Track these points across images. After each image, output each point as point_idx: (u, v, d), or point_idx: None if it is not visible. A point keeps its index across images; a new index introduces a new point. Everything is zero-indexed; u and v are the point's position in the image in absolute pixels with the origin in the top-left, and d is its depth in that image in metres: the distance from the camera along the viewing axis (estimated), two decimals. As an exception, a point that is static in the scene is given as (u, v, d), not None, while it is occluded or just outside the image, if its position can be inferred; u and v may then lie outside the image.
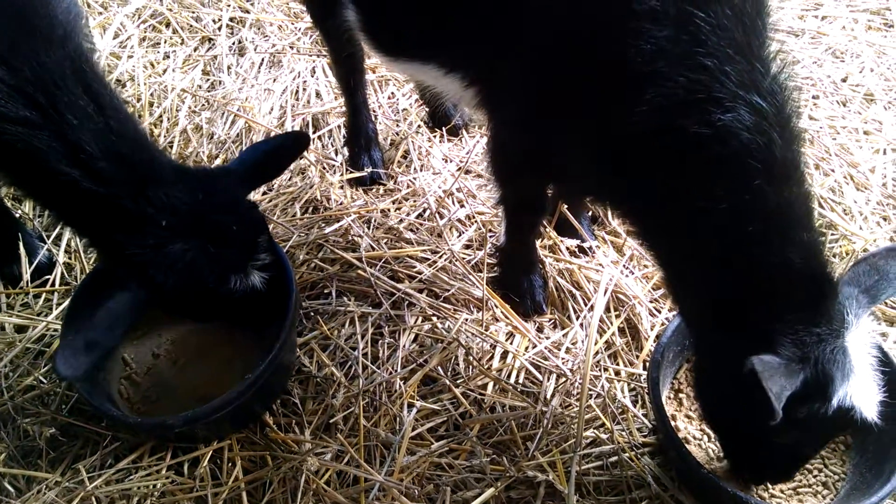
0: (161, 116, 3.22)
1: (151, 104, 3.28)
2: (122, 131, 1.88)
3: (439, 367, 2.37)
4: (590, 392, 2.30)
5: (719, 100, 1.56)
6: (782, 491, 2.10)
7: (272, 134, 3.09)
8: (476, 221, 2.78)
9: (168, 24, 3.67)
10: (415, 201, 2.87)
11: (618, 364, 2.41)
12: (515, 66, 1.87)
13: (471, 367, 2.38)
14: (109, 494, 2.12)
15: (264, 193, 2.93)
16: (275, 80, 3.34)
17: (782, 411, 1.53)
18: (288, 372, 2.37)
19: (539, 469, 2.13)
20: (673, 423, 2.17)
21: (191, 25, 3.66)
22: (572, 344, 2.45)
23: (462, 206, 2.83)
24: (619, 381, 2.36)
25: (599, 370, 2.37)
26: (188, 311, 2.10)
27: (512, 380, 2.36)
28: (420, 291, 2.55)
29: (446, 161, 3.02)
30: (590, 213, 2.80)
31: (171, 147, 3.07)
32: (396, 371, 2.35)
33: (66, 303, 2.49)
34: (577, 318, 2.51)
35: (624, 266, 2.63)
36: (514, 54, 1.84)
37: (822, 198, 2.84)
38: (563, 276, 2.60)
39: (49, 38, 1.83)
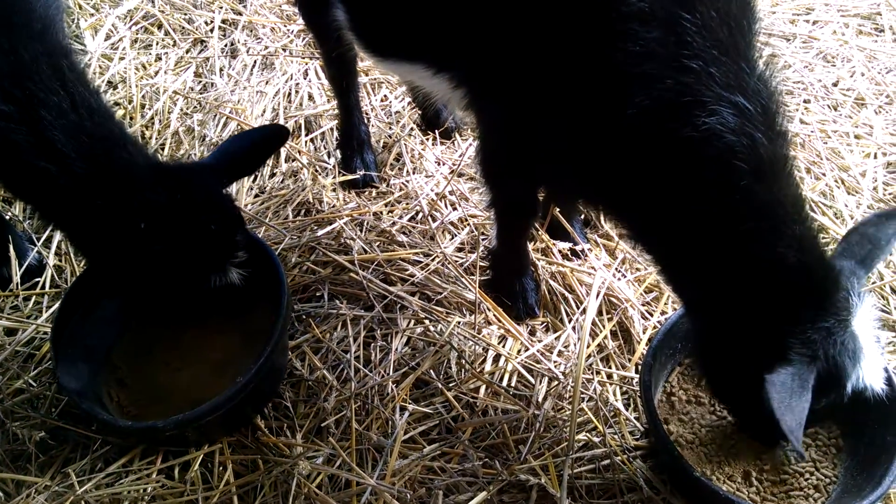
0: (153, 118, 3.21)
1: (143, 106, 3.26)
2: (98, 131, 1.87)
3: (431, 371, 2.37)
4: (582, 395, 2.30)
5: (704, 103, 1.57)
6: (774, 494, 2.11)
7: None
8: (469, 224, 2.78)
9: (160, 26, 3.65)
10: (407, 204, 2.87)
11: (610, 367, 2.41)
12: (502, 68, 1.86)
13: (463, 370, 2.38)
14: (99, 499, 2.10)
15: (256, 196, 2.92)
16: (267, 82, 3.33)
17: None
18: (280, 375, 2.36)
19: (531, 472, 2.12)
20: (665, 426, 2.17)
21: (183, 27, 3.65)
22: (564, 347, 2.45)
23: (455, 208, 2.83)
24: (611, 384, 2.36)
25: (592, 373, 2.37)
26: (171, 309, 2.09)
27: (504, 383, 2.35)
28: (412, 294, 2.55)
29: (439, 164, 3.02)
30: (582, 217, 2.80)
31: (163, 149, 3.06)
32: (388, 374, 2.34)
33: (56, 307, 2.46)
34: (570, 322, 2.51)
35: (616, 269, 2.63)
36: (501, 56, 1.84)
37: (814, 201, 2.85)
38: (556, 279, 2.60)
39: (27, 32, 1.82)
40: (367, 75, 3.34)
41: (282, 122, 3.14)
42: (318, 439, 2.23)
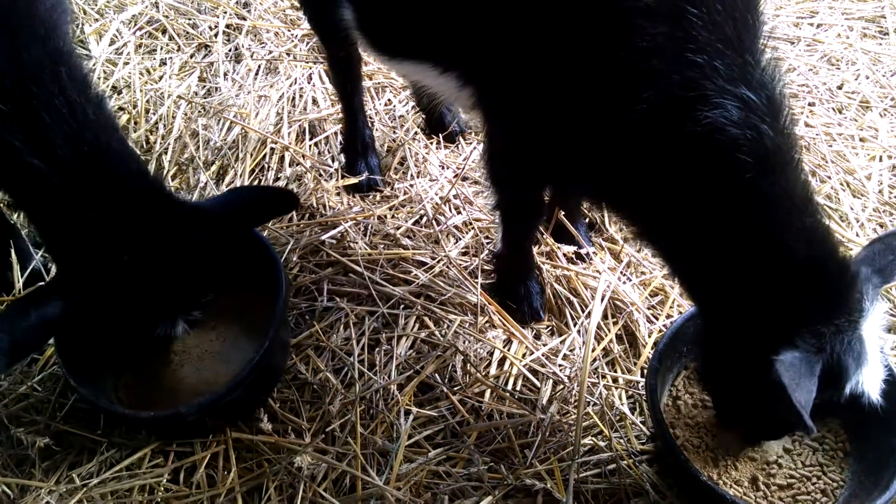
0: (157, 123, 3.21)
1: (147, 111, 3.27)
2: (96, 143, 1.85)
3: (436, 374, 2.36)
4: (587, 399, 2.29)
5: (707, 97, 1.57)
6: (781, 499, 2.10)
7: (268, 140, 3.08)
8: (473, 228, 2.77)
9: (164, 31, 3.66)
10: (412, 208, 2.87)
11: (615, 371, 2.40)
12: (510, 66, 1.86)
13: (468, 374, 2.37)
14: (105, 496, 2.11)
15: (260, 200, 2.92)
16: (271, 86, 3.33)
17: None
18: (286, 352, 2.39)
19: (537, 477, 2.12)
20: (671, 430, 2.16)
21: (187, 32, 3.65)
22: (570, 351, 2.44)
23: (459, 212, 2.82)
24: (616, 388, 2.35)
25: (597, 377, 2.36)
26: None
27: (509, 387, 2.35)
28: (417, 297, 2.54)
29: (443, 168, 3.02)
30: (587, 220, 2.80)
31: (167, 154, 3.07)
32: (392, 378, 2.34)
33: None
34: (575, 325, 2.50)
35: (621, 273, 2.63)
36: (509, 54, 1.84)
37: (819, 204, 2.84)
38: (561, 282, 2.60)
39: (30, 35, 1.81)
40: (370, 79, 3.34)
41: (285, 125, 3.15)
42: (323, 443, 2.22)
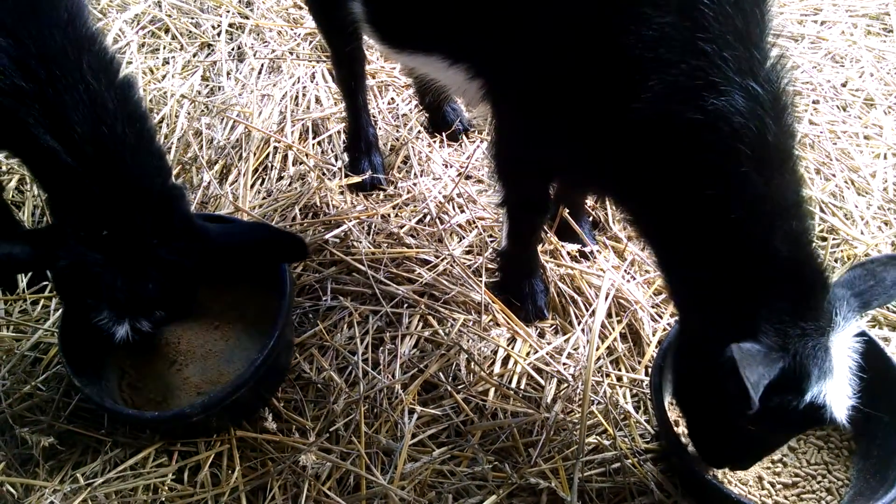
0: (160, 122, 3.21)
1: (151, 110, 3.26)
2: (113, 131, 1.88)
3: (440, 373, 2.36)
4: (592, 398, 2.28)
5: (715, 84, 1.57)
6: (786, 497, 2.09)
7: (272, 139, 3.08)
8: (476, 226, 2.77)
9: (167, 30, 3.66)
10: (415, 206, 2.86)
11: (620, 369, 2.39)
12: (519, 56, 1.86)
13: (472, 373, 2.37)
14: (109, 496, 2.11)
15: (263, 198, 2.92)
16: (274, 85, 3.33)
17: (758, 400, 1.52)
18: (290, 351, 2.39)
19: (541, 476, 2.11)
20: (676, 428, 2.15)
21: (190, 31, 3.65)
22: (574, 349, 2.44)
23: (462, 211, 2.82)
24: (621, 386, 2.35)
25: (601, 376, 2.36)
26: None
27: (513, 385, 2.34)
28: (421, 296, 2.54)
29: (446, 166, 3.02)
30: (590, 218, 2.79)
31: (170, 152, 3.06)
32: (396, 377, 2.34)
33: (60, 311, 2.46)
34: (579, 324, 2.49)
35: (625, 271, 2.62)
36: (518, 44, 1.84)
37: (824, 202, 2.84)
38: (565, 281, 2.59)
39: (54, 20, 1.86)
40: (374, 78, 3.34)
41: (289, 124, 3.14)
42: (328, 442, 2.22)
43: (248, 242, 2.14)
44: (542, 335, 2.50)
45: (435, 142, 3.12)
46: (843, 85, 3.34)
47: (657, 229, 1.86)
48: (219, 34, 3.61)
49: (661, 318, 2.49)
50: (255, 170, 3.01)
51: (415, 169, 3.00)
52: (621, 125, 1.68)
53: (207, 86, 3.41)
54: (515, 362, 2.39)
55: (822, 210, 2.81)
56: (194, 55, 3.55)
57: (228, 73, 3.43)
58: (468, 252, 2.71)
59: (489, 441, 2.23)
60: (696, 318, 1.85)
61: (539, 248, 2.61)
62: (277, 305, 2.21)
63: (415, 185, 2.93)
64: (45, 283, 2.66)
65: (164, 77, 3.43)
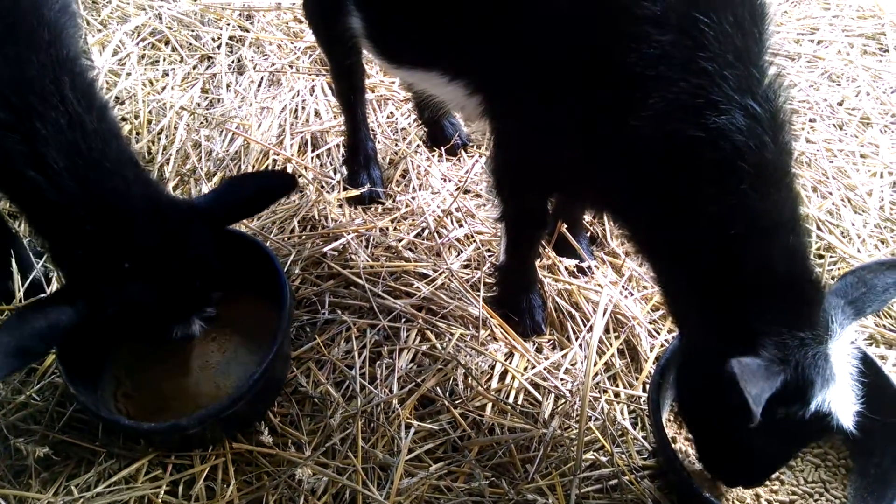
0: (160, 134, 3.21)
1: (150, 122, 3.27)
2: (93, 155, 1.85)
3: (437, 388, 2.35)
4: (589, 414, 2.28)
5: (716, 103, 1.58)
6: (784, 515, 2.09)
7: (270, 152, 3.08)
8: (475, 241, 2.77)
9: (167, 42, 3.67)
10: (413, 220, 2.87)
11: (617, 386, 2.39)
12: (519, 73, 1.88)
13: (469, 388, 2.36)
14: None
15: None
16: (274, 98, 3.34)
17: (760, 413, 1.51)
18: (286, 364, 2.38)
19: (538, 492, 2.11)
20: (673, 445, 2.15)
21: (190, 44, 3.66)
22: (571, 365, 2.43)
23: (461, 225, 2.82)
24: (618, 402, 2.35)
25: (599, 392, 2.36)
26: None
27: (511, 400, 2.34)
28: (419, 310, 2.54)
29: (445, 180, 3.02)
30: (588, 234, 2.80)
31: (169, 164, 3.07)
32: (394, 391, 2.33)
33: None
34: (577, 339, 2.49)
35: (623, 287, 2.62)
36: (518, 61, 1.85)
37: (821, 220, 2.85)
38: (562, 296, 2.59)
39: (34, 41, 1.81)
40: (373, 92, 3.35)
41: (288, 137, 3.15)
42: (324, 456, 2.21)
43: (241, 197, 2.14)
44: (539, 350, 2.50)
45: (434, 156, 3.13)
46: (840, 104, 3.36)
47: (657, 245, 1.87)
48: (219, 47, 3.62)
49: (658, 334, 2.49)
50: (254, 182, 3.01)
51: (413, 183, 3.00)
52: (622, 142, 1.69)
53: (207, 98, 3.42)
54: (513, 377, 2.38)
55: (818, 228, 2.82)
56: (194, 67, 3.56)
57: (228, 86, 3.43)
58: (466, 266, 2.71)
59: (486, 456, 2.22)
60: (697, 332, 1.86)
61: (537, 262, 2.62)
62: (275, 317, 2.20)
63: (413, 198, 2.93)
64: (41, 294, 2.64)
65: (163, 89, 3.43)
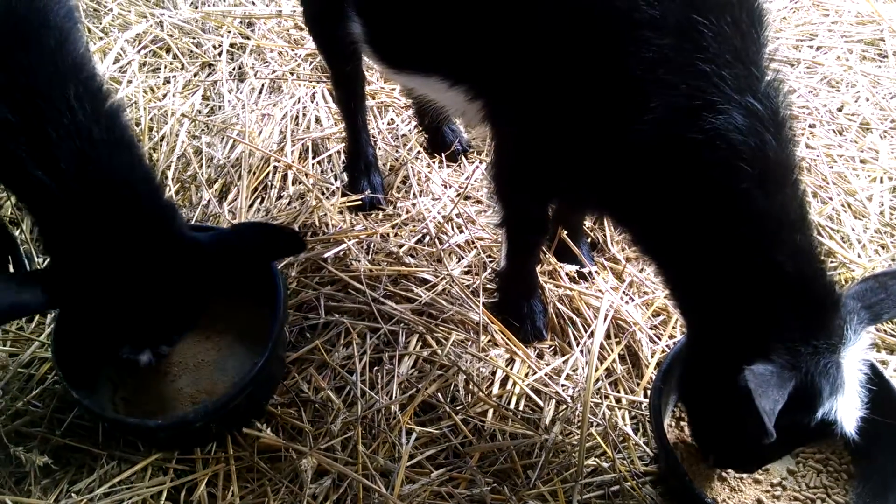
0: (160, 141, 3.22)
1: (151, 128, 3.28)
2: (100, 164, 1.86)
3: (438, 393, 2.35)
4: (591, 420, 2.28)
5: (714, 104, 1.58)
6: (786, 521, 2.08)
7: (271, 159, 3.09)
8: (475, 247, 2.77)
9: (168, 50, 3.68)
10: (414, 226, 2.87)
11: (618, 391, 2.39)
12: (520, 78, 1.88)
13: (470, 393, 2.36)
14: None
15: (263, 217, 2.92)
16: (275, 105, 3.35)
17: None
18: (283, 360, 2.40)
19: (540, 498, 2.10)
20: (675, 451, 2.14)
21: (191, 51, 3.67)
22: (573, 371, 2.43)
23: (461, 231, 2.82)
24: (619, 408, 2.34)
25: (600, 397, 2.35)
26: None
27: (512, 406, 2.33)
28: (419, 315, 2.54)
29: (446, 186, 3.02)
30: (589, 239, 2.80)
31: (170, 171, 3.07)
32: (394, 397, 2.33)
33: (52, 326, 2.45)
34: (578, 345, 2.49)
35: (624, 292, 2.62)
36: (519, 66, 1.86)
37: (821, 225, 2.85)
38: (563, 302, 2.59)
39: (42, 46, 1.82)
40: (373, 98, 3.36)
41: (289, 143, 3.15)
42: (325, 462, 2.20)
43: (247, 245, 2.12)
44: (540, 356, 2.50)
45: (434, 162, 3.13)
46: (839, 109, 3.37)
47: (662, 249, 1.86)
48: (220, 54, 3.63)
49: (659, 339, 2.49)
50: (255, 189, 3.01)
51: (414, 189, 3.01)
52: (623, 146, 1.69)
53: (208, 105, 3.43)
54: (514, 383, 2.38)
55: (819, 233, 2.82)
56: (195, 75, 3.57)
57: (229, 93, 3.44)
58: (467, 272, 2.71)
59: (488, 462, 2.22)
60: (706, 335, 1.85)
61: (538, 268, 2.62)
62: (268, 312, 2.22)
63: (414, 205, 2.93)
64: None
65: (164, 96, 3.44)
